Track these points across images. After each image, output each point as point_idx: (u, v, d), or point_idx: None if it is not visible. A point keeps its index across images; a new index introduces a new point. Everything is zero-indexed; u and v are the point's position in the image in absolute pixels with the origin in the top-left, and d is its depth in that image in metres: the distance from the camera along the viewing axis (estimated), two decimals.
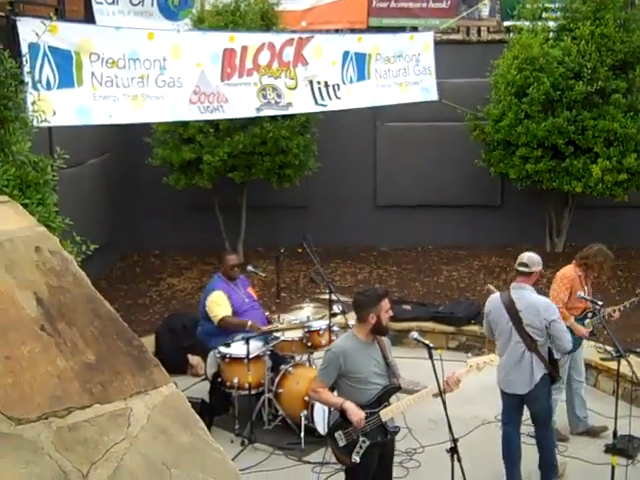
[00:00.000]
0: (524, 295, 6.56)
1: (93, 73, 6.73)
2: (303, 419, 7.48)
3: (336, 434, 5.50)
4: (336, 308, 8.15)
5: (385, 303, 5.55)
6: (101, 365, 2.73)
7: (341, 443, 5.48)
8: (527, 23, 11.61)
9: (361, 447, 5.44)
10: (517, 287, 6.63)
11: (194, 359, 9.18)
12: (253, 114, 7.72)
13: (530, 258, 6.66)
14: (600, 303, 7.24)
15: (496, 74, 11.67)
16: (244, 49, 7.54)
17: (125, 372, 2.74)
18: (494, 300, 6.76)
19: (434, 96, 9.44)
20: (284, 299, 10.21)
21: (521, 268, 6.65)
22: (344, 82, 8.23)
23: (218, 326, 8.04)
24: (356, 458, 5.44)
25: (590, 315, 7.44)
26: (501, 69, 11.55)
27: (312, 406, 7.39)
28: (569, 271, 7.50)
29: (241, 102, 7.49)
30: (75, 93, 6.76)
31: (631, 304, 7.75)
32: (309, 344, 7.90)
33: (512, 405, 6.75)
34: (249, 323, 7.90)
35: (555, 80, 10.90)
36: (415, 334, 5.78)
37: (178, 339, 9.36)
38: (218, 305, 8.06)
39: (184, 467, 2.62)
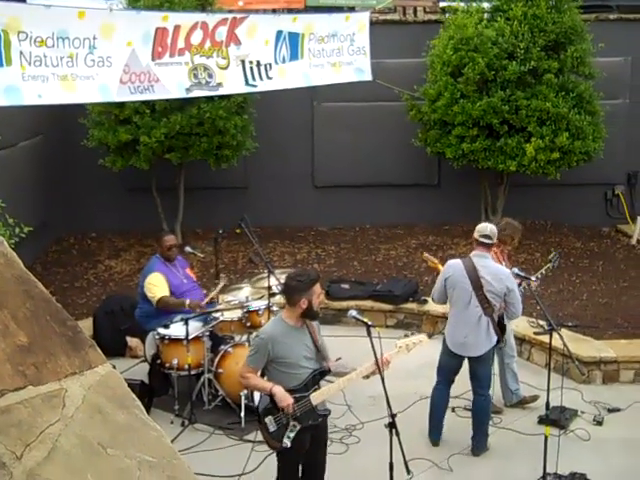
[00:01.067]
0: (487, 263, 6.87)
1: (22, 52, 6.57)
2: (243, 398, 7.49)
3: (266, 419, 5.48)
4: (275, 288, 8.15)
5: (317, 288, 5.52)
6: (34, 347, 2.69)
7: (271, 428, 5.47)
8: (462, 4, 11.71)
9: (292, 431, 5.44)
10: (479, 255, 6.92)
11: (133, 341, 9.12)
12: (183, 95, 7.62)
13: (492, 230, 6.96)
14: (533, 278, 7.40)
15: (432, 54, 11.75)
16: (177, 28, 7.43)
17: (59, 353, 2.71)
18: (455, 265, 7.02)
19: (368, 76, 9.45)
20: (223, 280, 10.17)
21: (483, 239, 6.91)
22: (276, 62, 8.17)
23: (157, 307, 7.99)
24: (287, 442, 5.44)
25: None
26: (437, 49, 11.63)
27: None
28: None
29: (172, 82, 7.37)
30: (3, 73, 6.59)
31: (546, 270, 7.95)
32: (248, 324, 7.90)
33: (455, 367, 7.09)
34: (187, 302, 7.87)
35: (489, 60, 11.02)
36: (353, 312, 5.79)
37: (116, 321, 9.28)
38: (156, 286, 8.00)
39: (120, 446, 2.61)
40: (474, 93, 11.18)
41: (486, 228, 6.95)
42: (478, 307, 6.83)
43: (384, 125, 12.74)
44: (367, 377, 5.54)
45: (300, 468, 5.71)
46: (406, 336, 6.09)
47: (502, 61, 11.04)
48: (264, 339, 5.52)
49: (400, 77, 12.06)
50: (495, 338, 6.90)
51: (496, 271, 6.86)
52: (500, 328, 6.93)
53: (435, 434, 7.20)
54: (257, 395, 7.30)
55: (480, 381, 7.05)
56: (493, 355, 7.07)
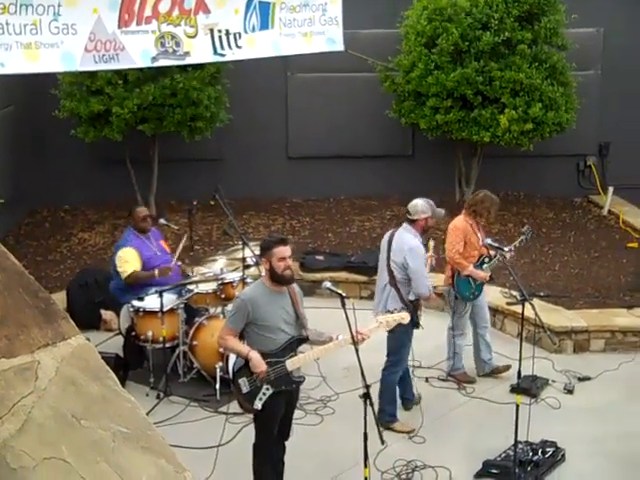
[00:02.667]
0: (402, 236, 7.00)
1: None
2: (218, 371, 7.52)
3: (240, 380, 5.54)
4: (249, 260, 8.16)
5: (278, 250, 5.53)
6: (6, 319, 2.68)
7: (244, 389, 5.53)
8: None
9: (264, 394, 5.50)
10: (402, 228, 7.06)
11: (107, 314, 9.09)
12: (148, 64, 7.51)
13: (414, 206, 7.01)
14: (506, 249, 7.46)
15: (406, 25, 11.70)
16: None
17: (32, 325, 2.71)
18: (385, 235, 7.25)
19: (340, 47, 9.37)
20: (197, 252, 10.18)
21: (407, 215, 7.04)
22: (246, 31, 8.06)
23: (126, 283, 7.96)
24: (258, 405, 5.51)
25: (487, 260, 7.69)
26: (411, 20, 11.58)
27: (227, 358, 7.41)
28: (459, 222, 7.76)
29: (137, 51, 7.26)
30: None
31: (520, 243, 8.02)
32: (223, 296, 7.91)
33: None
34: (156, 272, 7.84)
35: (463, 31, 11.00)
36: (328, 284, 5.82)
37: (90, 294, 9.25)
38: (127, 262, 7.96)
39: (94, 418, 2.62)
40: (448, 64, 11.17)
41: (410, 204, 7.05)
42: (385, 275, 7.01)
43: (358, 96, 12.70)
44: (342, 346, 5.58)
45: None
46: (389, 312, 6.15)
47: (476, 32, 11.02)
48: (244, 300, 5.58)
49: (374, 48, 12.00)
50: (395, 309, 6.59)
51: (401, 244, 6.94)
52: (413, 304, 6.92)
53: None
54: (232, 360, 7.34)
55: (387, 353, 7.10)
56: (403, 330, 6.65)
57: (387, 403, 7.04)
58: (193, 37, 7.77)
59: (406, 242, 6.93)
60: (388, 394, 7.06)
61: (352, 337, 5.42)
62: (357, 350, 5.43)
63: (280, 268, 5.54)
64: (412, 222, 6.95)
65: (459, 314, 7.77)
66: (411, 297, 6.95)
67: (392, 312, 6.06)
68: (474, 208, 7.76)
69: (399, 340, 6.96)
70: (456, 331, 7.84)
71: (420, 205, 6.95)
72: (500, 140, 11.23)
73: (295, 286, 5.79)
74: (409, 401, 7.42)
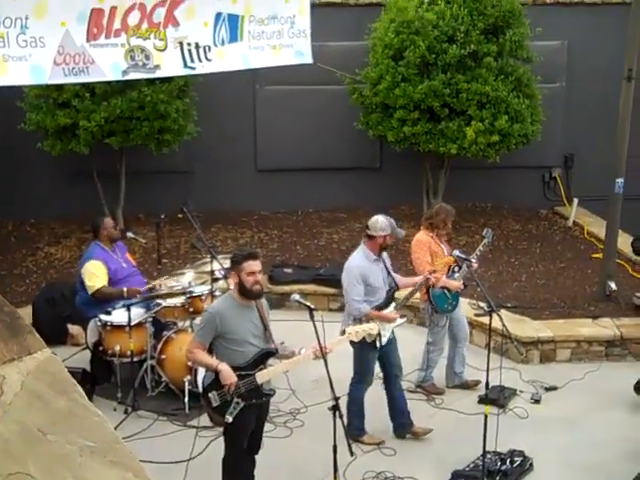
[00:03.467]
0: (352, 255, 7.06)
1: None
2: (187, 384, 7.49)
3: (210, 394, 5.54)
4: (218, 273, 8.15)
5: (248, 265, 5.55)
6: None
7: (215, 403, 5.53)
8: None
9: (235, 408, 5.50)
10: (360, 244, 7.08)
11: (74, 329, 9.03)
12: (119, 77, 7.51)
13: (374, 223, 6.92)
14: (473, 260, 7.52)
15: (374, 37, 11.78)
16: (113, 9, 7.29)
17: None
18: None
19: (309, 59, 9.41)
20: (165, 265, 10.14)
21: (366, 230, 7.00)
22: (215, 44, 8.08)
23: (92, 297, 7.92)
24: (229, 418, 5.51)
25: (457, 269, 7.75)
26: (378, 32, 11.66)
27: (195, 371, 7.41)
28: (421, 236, 7.83)
29: (107, 64, 7.25)
30: None
31: (483, 246, 8.05)
32: (191, 310, 7.89)
33: None
34: (125, 290, 7.82)
35: (430, 43, 11.10)
36: (296, 296, 5.85)
37: (57, 309, 9.18)
38: (95, 275, 7.92)
39: (61, 432, 2.61)
40: (415, 76, 11.25)
41: (370, 220, 6.98)
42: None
43: (326, 109, 12.75)
44: (316, 358, 5.59)
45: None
46: (356, 323, 6.17)
47: (443, 44, 11.13)
48: (212, 314, 5.59)
49: (342, 60, 12.03)
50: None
51: (347, 263, 7.02)
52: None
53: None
54: (201, 376, 7.32)
55: (353, 368, 7.13)
56: (359, 349, 6.85)
57: (354, 417, 7.03)
58: (163, 50, 7.77)
59: (350, 260, 7.01)
60: (355, 407, 7.06)
61: (320, 350, 5.45)
62: (326, 362, 5.45)
63: (249, 282, 5.55)
64: (370, 238, 6.91)
65: (439, 327, 7.79)
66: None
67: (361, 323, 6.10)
68: (430, 221, 7.85)
69: (361, 355, 6.98)
70: (434, 346, 7.88)
71: (380, 222, 6.88)
72: (467, 152, 11.33)
73: (262, 299, 5.80)
74: (403, 427, 7.20)
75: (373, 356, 7.00)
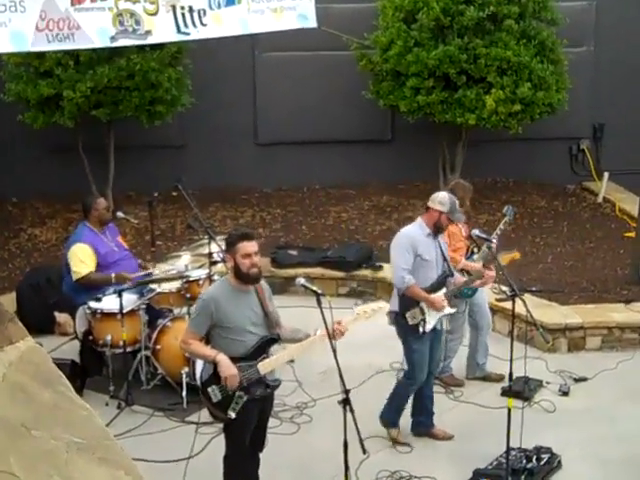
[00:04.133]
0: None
1: None
2: (184, 377, 7.48)
3: (209, 389, 5.50)
4: (216, 256, 8.12)
5: (243, 246, 5.50)
6: None
7: (215, 399, 5.48)
8: None
9: (237, 403, 5.46)
10: None
11: (61, 317, 9.04)
12: (107, 44, 7.46)
13: (434, 196, 6.87)
14: (494, 240, 7.46)
15: None
16: None
17: None
18: None
19: (312, 23, 9.37)
20: (159, 247, 10.12)
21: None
22: (211, 7, 8.03)
23: (77, 283, 7.89)
24: (231, 414, 5.46)
25: (475, 250, 7.70)
26: None
27: (194, 362, 7.38)
28: None
29: (94, 29, 7.21)
30: None
31: (504, 225, 8.01)
32: (188, 296, 7.86)
33: None
34: (113, 276, 7.78)
35: (445, 5, 11.02)
36: (302, 280, 5.80)
37: (42, 295, 9.19)
38: (81, 261, 7.89)
39: (46, 427, 2.58)
40: (429, 41, 11.18)
41: (435, 194, 6.95)
42: None
43: (332, 76, 12.69)
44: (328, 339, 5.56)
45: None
46: (364, 302, 6.12)
47: (459, 6, 11.04)
48: (206, 300, 5.54)
49: (349, 24, 11.98)
50: (394, 309, 6.80)
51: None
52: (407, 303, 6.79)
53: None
54: (199, 368, 7.30)
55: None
56: (401, 332, 6.87)
57: (392, 410, 7.01)
58: (154, 15, 7.74)
59: (401, 230, 6.96)
60: (396, 402, 7.00)
61: (328, 332, 5.41)
62: (335, 352, 5.41)
63: (245, 266, 5.50)
64: (427, 210, 6.85)
65: (459, 314, 7.74)
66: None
67: (359, 304, 6.06)
68: None
69: (407, 346, 6.87)
70: (453, 334, 7.84)
71: (440, 197, 6.80)
72: (486, 123, 11.26)
73: (263, 282, 5.76)
74: (421, 426, 7.15)
75: (421, 347, 6.81)
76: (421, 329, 6.73)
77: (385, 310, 6.03)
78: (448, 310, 6.89)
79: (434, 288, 6.78)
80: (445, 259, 6.88)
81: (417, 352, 6.81)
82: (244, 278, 5.56)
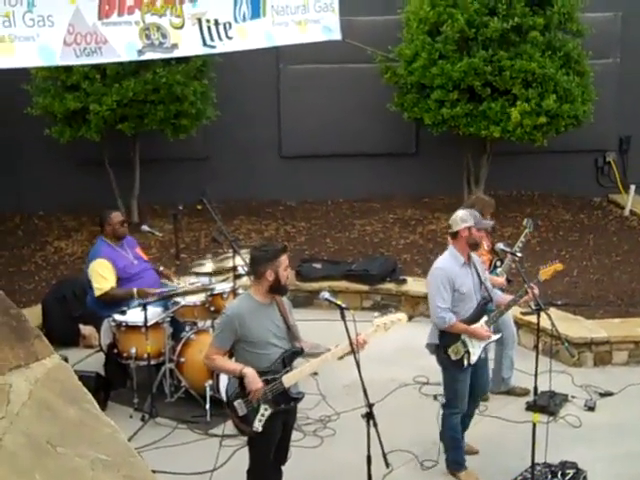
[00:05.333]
0: (438, 258, 6.74)
1: None
2: (208, 389, 7.49)
3: (235, 403, 5.53)
4: (240, 269, 8.15)
5: (284, 259, 5.57)
6: None
7: (241, 412, 5.52)
8: None
9: (263, 415, 5.49)
10: None
11: (86, 329, 9.07)
12: (135, 57, 7.53)
13: (454, 218, 6.63)
14: (519, 254, 7.43)
15: (407, 11, 11.72)
16: None
17: (2, 344, 2.69)
18: None
19: (337, 35, 9.39)
20: (184, 260, 10.16)
21: (449, 231, 6.72)
22: (236, 20, 8.09)
23: (98, 299, 7.93)
24: (258, 427, 5.49)
25: (499, 264, 7.66)
26: (412, 5, 11.60)
27: (218, 375, 7.39)
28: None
29: (121, 43, 7.29)
30: None
31: (525, 237, 7.96)
32: (212, 309, 7.87)
33: None
34: (135, 290, 7.80)
35: (470, 17, 11.02)
36: (326, 294, 5.81)
37: (68, 308, 9.22)
38: (102, 277, 7.91)
39: (71, 444, 2.60)
40: (454, 53, 11.18)
41: (451, 218, 6.70)
42: None
43: (357, 89, 12.70)
44: (341, 358, 5.57)
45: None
46: (383, 315, 6.10)
47: (483, 17, 11.04)
48: (230, 316, 5.56)
49: (373, 36, 12.01)
50: (430, 342, 6.66)
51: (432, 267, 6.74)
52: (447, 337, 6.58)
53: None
54: (223, 381, 7.32)
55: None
56: (441, 363, 6.67)
57: (450, 449, 6.77)
58: (180, 28, 7.81)
59: (435, 262, 6.68)
60: (448, 438, 6.76)
61: (352, 348, 5.42)
62: (358, 365, 5.42)
63: (284, 277, 5.58)
64: (454, 236, 6.60)
65: None
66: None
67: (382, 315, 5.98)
68: None
69: (449, 376, 6.68)
70: (510, 345, 7.81)
71: (460, 214, 6.60)
72: (511, 135, 11.23)
73: (283, 297, 5.78)
74: None
75: (464, 377, 6.62)
76: (465, 362, 6.53)
77: (404, 322, 5.93)
78: (493, 337, 6.69)
79: (474, 318, 6.55)
80: (481, 282, 6.66)
81: (460, 382, 6.61)
82: (281, 290, 5.62)
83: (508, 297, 6.91)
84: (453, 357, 6.47)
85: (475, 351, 6.54)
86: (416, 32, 11.46)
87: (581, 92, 11.36)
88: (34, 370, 2.68)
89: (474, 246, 6.60)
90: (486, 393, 7.15)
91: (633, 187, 12.67)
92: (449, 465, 6.74)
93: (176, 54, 8.06)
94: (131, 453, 2.73)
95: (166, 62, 10.39)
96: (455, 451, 6.75)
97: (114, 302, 7.86)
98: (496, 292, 6.97)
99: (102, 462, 2.64)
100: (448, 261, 6.58)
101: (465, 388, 6.61)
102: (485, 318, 6.59)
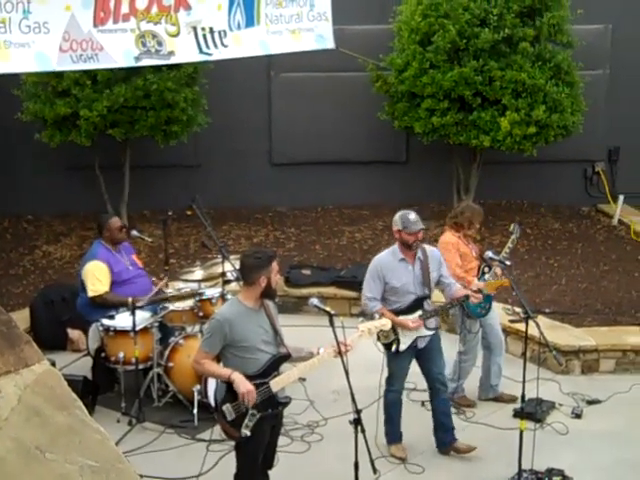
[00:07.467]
0: None
1: None
2: (196, 394, 7.49)
3: (224, 407, 5.53)
4: (229, 274, 8.14)
5: (275, 265, 5.63)
6: None
7: (229, 417, 5.52)
8: None
9: (251, 420, 5.50)
10: None
11: (74, 333, 9.06)
12: (132, 64, 7.54)
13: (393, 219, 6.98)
14: (508, 262, 7.44)
15: (399, 20, 11.74)
16: None
17: None
18: None
19: (330, 44, 9.42)
20: (173, 266, 10.14)
21: None
22: (231, 28, 8.11)
23: (92, 301, 7.92)
24: (246, 432, 5.50)
25: (486, 270, 7.69)
26: (404, 15, 11.61)
27: (206, 380, 7.40)
28: (448, 237, 7.80)
29: (118, 50, 7.30)
30: None
31: (512, 243, 8.00)
32: (201, 314, 7.88)
33: None
34: (130, 300, 7.77)
35: (461, 27, 11.03)
36: (315, 301, 5.83)
37: (56, 312, 9.21)
38: (98, 280, 7.91)
39: (60, 450, 2.59)
40: (444, 63, 11.19)
41: None
42: None
43: (347, 97, 12.73)
44: (336, 356, 5.59)
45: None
46: (368, 320, 6.16)
47: (474, 28, 11.06)
48: (220, 321, 5.56)
49: (365, 45, 12.01)
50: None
51: None
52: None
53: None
54: (212, 386, 7.31)
55: None
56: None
57: (385, 421, 7.13)
58: (175, 36, 7.83)
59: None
60: (385, 412, 7.13)
61: (339, 351, 5.47)
62: (347, 371, 5.44)
63: (274, 282, 5.64)
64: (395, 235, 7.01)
65: (472, 334, 7.74)
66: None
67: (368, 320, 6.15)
68: (455, 220, 7.81)
69: (386, 355, 7.06)
70: (466, 355, 7.82)
71: (395, 218, 6.92)
72: (501, 145, 11.25)
73: (270, 302, 5.80)
74: (441, 442, 7.14)
75: (399, 362, 6.98)
76: (394, 347, 6.89)
77: (388, 327, 6.16)
78: (425, 332, 6.94)
79: (407, 310, 6.86)
80: (426, 279, 6.91)
81: (393, 363, 7.03)
82: (271, 295, 5.69)
83: (459, 292, 7.10)
84: (382, 340, 6.85)
85: (405, 340, 6.90)
86: (407, 42, 11.48)
87: (570, 103, 11.39)
88: (24, 376, 2.67)
89: (406, 246, 6.88)
90: (443, 380, 7.23)
91: (622, 197, 12.72)
92: (385, 436, 7.09)
93: (173, 61, 8.08)
94: (120, 459, 2.72)
95: (157, 68, 10.37)
96: (389, 424, 7.13)
97: (105, 306, 7.84)
98: (456, 286, 7.13)
99: (91, 468, 2.63)
100: (385, 255, 7.02)
101: (400, 370, 7.02)
102: (419, 312, 6.89)
